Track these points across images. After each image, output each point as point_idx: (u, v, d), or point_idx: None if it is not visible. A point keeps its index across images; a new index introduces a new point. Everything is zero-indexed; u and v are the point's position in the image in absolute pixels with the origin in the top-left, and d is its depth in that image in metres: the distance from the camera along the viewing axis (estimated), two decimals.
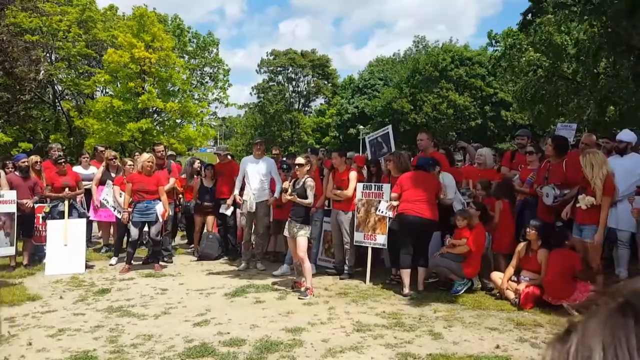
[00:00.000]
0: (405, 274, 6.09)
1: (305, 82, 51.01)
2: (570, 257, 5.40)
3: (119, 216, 7.67)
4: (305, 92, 51.48)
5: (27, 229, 7.55)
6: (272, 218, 7.85)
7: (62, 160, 8.09)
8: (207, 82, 31.55)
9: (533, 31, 17.36)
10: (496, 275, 5.97)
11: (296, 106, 51.55)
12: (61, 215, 7.51)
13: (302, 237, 6.05)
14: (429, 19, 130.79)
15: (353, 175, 7.05)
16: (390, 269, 6.90)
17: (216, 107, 30.47)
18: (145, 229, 7.58)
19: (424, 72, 38.04)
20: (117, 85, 22.42)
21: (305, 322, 4.94)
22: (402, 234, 6.25)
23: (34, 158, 8.23)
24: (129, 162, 8.12)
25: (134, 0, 29.43)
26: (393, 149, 7.65)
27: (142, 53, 20.79)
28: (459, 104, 36.69)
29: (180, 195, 8.95)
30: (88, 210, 8.50)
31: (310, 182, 6.13)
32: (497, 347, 4.31)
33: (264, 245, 7.97)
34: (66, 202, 7.57)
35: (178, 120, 24.12)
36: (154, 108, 22.76)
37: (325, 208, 7.66)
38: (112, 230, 8.83)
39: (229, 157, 9.16)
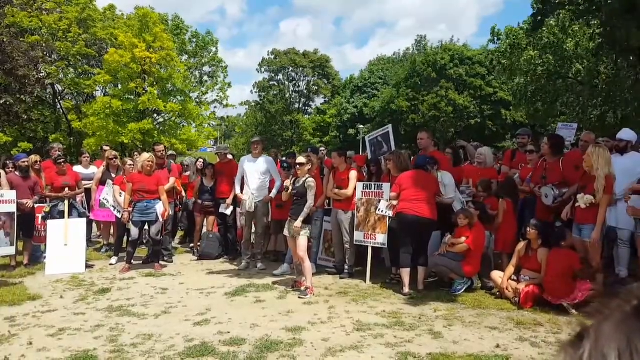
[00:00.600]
0: (405, 273, 6.09)
1: (306, 82, 51.01)
2: (571, 256, 5.40)
3: (119, 216, 7.67)
4: (305, 92, 51.46)
5: (27, 229, 7.55)
6: (270, 218, 7.86)
7: (62, 160, 8.09)
8: (206, 81, 31.55)
9: (540, 32, 17.31)
10: (496, 275, 5.97)
11: (296, 106, 51.55)
12: (61, 215, 7.52)
13: (302, 237, 6.06)
14: (430, 18, 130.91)
15: (353, 174, 7.05)
16: (390, 268, 6.91)
17: (215, 107, 30.51)
18: (146, 228, 7.59)
19: (423, 73, 38.00)
20: (118, 87, 22.41)
21: (305, 322, 4.94)
22: (402, 233, 6.25)
23: (34, 158, 8.24)
24: (129, 162, 8.13)
25: (134, 1, 29.43)
26: (393, 149, 7.65)
27: (143, 53, 20.79)
28: (459, 103, 36.67)
29: (183, 194, 8.96)
30: (88, 210, 8.51)
31: (311, 182, 6.13)
32: (497, 346, 4.31)
33: (264, 245, 7.98)
34: (66, 202, 7.57)
35: (178, 121, 24.11)
36: (154, 108, 22.76)
37: (326, 207, 7.66)
38: (112, 230, 8.83)
39: (230, 156, 9.15)
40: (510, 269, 5.79)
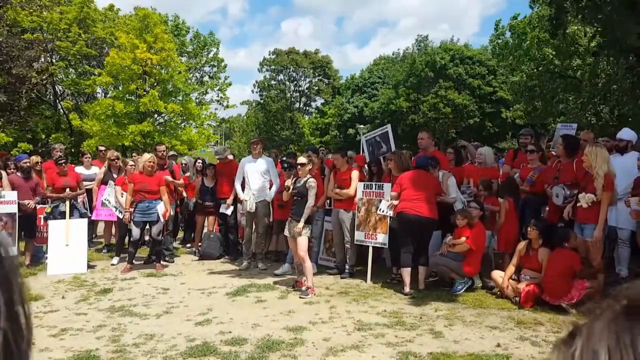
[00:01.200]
0: (406, 273, 6.11)
1: (307, 82, 50.98)
2: (571, 257, 5.41)
3: (121, 216, 7.69)
4: (306, 92, 51.44)
5: (29, 229, 7.56)
6: (272, 218, 7.87)
7: (63, 160, 8.10)
8: (206, 81, 31.54)
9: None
10: (497, 274, 5.99)
11: (297, 105, 51.53)
12: (62, 216, 7.54)
13: (302, 237, 6.07)
14: (431, 18, 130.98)
15: (355, 174, 7.07)
16: (391, 268, 6.92)
17: (216, 109, 30.49)
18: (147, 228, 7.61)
19: (422, 74, 37.96)
20: (119, 89, 22.39)
21: (306, 321, 4.95)
22: (403, 233, 6.26)
23: (35, 158, 8.25)
24: (131, 163, 8.16)
25: (134, 1, 29.43)
26: (393, 148, 7.65)
27: (144, 54, 20.77)
28: (458, 102, 36.65)
29: (184, 194, 8.98)
30: (90, 211, 8.52)
31: (312, 182, 6.14)
32: (498, 345, 4.32)
33: (265, 245, 7.99)
34: (67, 203, 7.59)
35: (179, 122, 24.10)
36: (155, 109, 22.74)
37: (327, 207, 7.67)
38: (113, 231, 8.85)
39: (230, 156, 9.16)
40: (511, 269, 5.80)
